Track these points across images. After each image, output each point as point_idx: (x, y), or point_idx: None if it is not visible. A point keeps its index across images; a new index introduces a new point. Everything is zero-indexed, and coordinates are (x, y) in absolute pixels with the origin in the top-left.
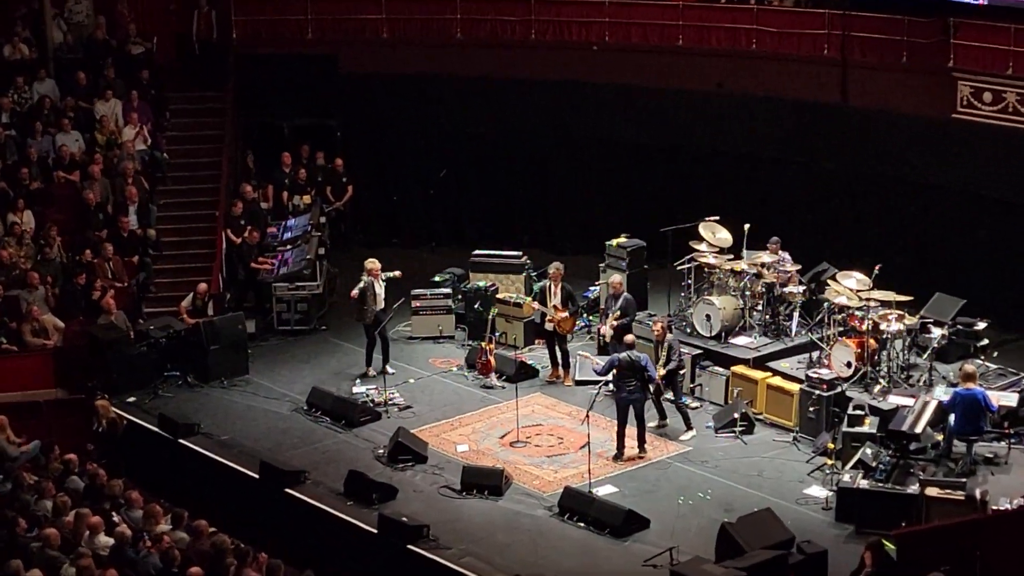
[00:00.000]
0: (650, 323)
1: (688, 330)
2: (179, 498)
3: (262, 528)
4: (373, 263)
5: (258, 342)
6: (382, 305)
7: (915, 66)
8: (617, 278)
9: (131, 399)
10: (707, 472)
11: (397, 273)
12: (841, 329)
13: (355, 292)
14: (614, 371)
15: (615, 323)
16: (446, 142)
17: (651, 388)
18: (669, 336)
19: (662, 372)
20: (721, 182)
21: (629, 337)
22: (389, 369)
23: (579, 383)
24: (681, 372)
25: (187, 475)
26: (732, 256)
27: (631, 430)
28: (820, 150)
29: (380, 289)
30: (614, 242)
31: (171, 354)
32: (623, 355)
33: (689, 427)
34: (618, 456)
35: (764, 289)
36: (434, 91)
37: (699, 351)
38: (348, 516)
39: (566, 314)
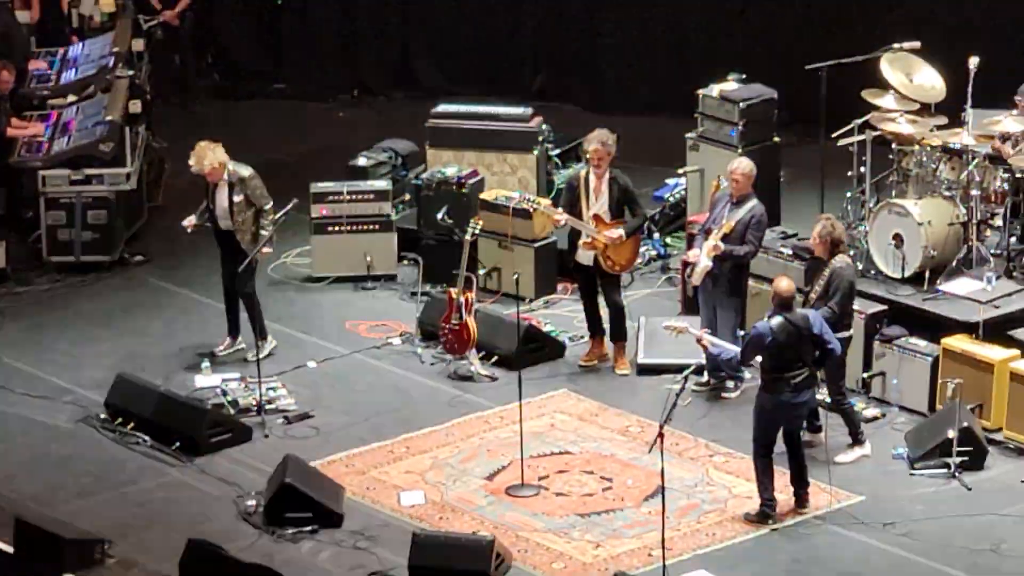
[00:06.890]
0: (786, 246)
1: (859, 265)
2: None
3: None
4: (207, 155)
5: (12, 286)
6: (234, 225)
7: None
8: (744, 166)
9: None
10: (893, 545)
11: (275, 216)
12: None
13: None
14: (763, 355)
15: (720, 247)
16: None
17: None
18: (838, 261)
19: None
20: None
21: (784, 284)
22: (268, 346)
23: (646, 369)
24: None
25: None
26: (944, 120)
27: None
28: None
29: (223, 199)
30: (714, 90)
31: None
32: (776, 322)
33: (858, 440)
34: (767, 515)
35: (1008, 185)
36: None
37: (880, 307)
38: None
39: (619, 232)
